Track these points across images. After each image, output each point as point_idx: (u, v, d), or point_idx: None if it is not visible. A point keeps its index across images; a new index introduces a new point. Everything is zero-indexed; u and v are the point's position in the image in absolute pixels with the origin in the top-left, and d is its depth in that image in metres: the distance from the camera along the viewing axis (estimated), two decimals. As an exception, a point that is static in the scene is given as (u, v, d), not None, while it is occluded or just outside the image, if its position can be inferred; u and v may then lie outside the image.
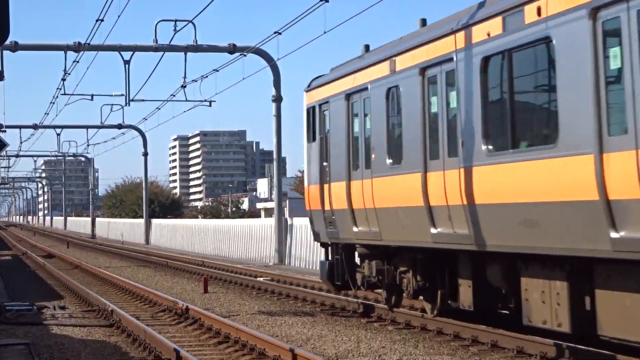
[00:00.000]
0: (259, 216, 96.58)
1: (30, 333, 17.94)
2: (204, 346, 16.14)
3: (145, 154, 74.89)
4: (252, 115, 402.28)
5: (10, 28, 8.33)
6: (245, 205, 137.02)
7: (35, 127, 68.77)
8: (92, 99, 47.69)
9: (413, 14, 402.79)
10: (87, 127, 71.62)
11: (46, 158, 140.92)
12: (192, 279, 32.28)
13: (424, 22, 17.38)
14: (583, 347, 14.27)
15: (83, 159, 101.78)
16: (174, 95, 44.15)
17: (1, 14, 8.14)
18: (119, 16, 29.89)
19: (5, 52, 38.43)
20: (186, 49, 40.66)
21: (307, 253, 37.68)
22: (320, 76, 21.20)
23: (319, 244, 21.98)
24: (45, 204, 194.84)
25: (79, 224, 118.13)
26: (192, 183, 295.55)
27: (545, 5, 12.39)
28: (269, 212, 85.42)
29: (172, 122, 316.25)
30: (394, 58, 16.80)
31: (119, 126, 67.00)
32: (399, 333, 17.25)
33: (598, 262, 12.07)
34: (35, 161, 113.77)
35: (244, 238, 47.48)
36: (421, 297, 17.74)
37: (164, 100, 47.24)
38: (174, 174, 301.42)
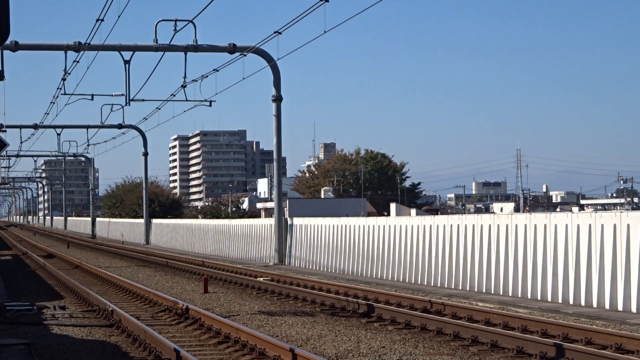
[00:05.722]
0: (259, 216, 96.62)
1: (30, 333, 17.93)
2: (204, 346, 16.14)
3: (146, 154, 74.93)
4: (252, 115, 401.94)
5: (10, 28, 8.33)
6: (245, 205, 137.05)
7: (35, 127, 68.75)
8: (92, 99, 47.56)
9: (413, 14, 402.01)
10: (87, 127, 71.57)
11: (46, 158, 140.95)
12: (192, 279, 32.28)
13: None
14: (583, 347, 14.27)
15: (83, 159, 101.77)
16: (174, 95, 44.10)
17: (1, 14, 8.14)
18: (119, 16, 29.86)
19: (6, 52, 38.46)
20: (186, 49, 40.65)
21: (307, 253, 37.67)
22: None
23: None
24: (46, 204, 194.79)
25: (79, 224, 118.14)
26: (192, 183, 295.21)
27: None
28: (269, 212, 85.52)
29: (172, 122, 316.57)
30: None
31: (119, 126, 67.00)
32: (399, 333, 17.26)
33: None
34: (35, 161, 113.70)
35: (244, 238, 47.47)
36: None
37: (164, 100, 47.19)
38: (174, 174, 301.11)
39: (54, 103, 50.14)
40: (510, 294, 24.19)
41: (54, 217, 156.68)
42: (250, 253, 46.15)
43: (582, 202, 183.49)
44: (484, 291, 25.30)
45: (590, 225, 21.63)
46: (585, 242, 21.72)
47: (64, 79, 41.74)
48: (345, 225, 34.52)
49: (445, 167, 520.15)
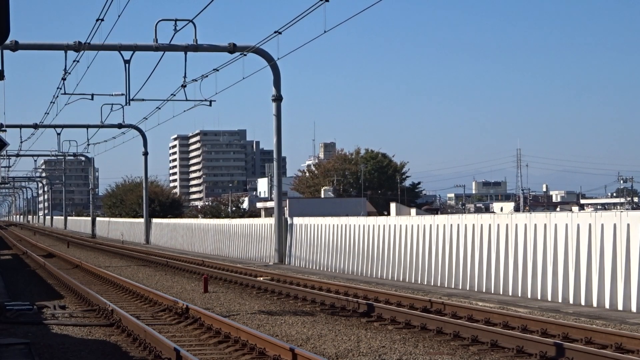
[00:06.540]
0: (259, 216, 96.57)
1: (31, 333, 17.93)
2: (204, 346, 16.13)
3: (146, 154, 74.93)
4: (252, 115, 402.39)
5: (11, 28, 8.33)
6: (245, 205, 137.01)
7: (35, 126, 68.73)
8: (92, 99, 47.60)
9: (413, 14, 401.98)
10: (87, 126, 71.57)
11: (46, 158, 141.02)
12: (192, 279, 32.28)
13: None
14: (583, 346, 14.27)
15: (83, 158, 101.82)
16: (174, 95, 44.11)
17: (1, 14, 8.15)
18: (119, 16, 29.87)
19: (6, 52, 38.49)
20: (186, 49, 40.65)
21: (307, 253, 37.66)
22: None
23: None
24: (46, 204, 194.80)
25: (79, 224, 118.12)
26: (192, 183, 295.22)
27: None
28: (269, 212, 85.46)
29: (172, 122, 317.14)
30: None
31: (119, 126, 67.02)
32: (399, 333, 17.26)
33: None
34: (35, 161, 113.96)
35: (244, 238, 47.48)
36: None
37: (164, 100, 47.21)
38: (174, 174, 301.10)
39: (54, 103, 50.20)
40: (510, 294, 24.20)
41: (54, 217, 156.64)
42: (250, 253, 46.15)
43: (582, 201, 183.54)
44: (484, 291, 25.30)
45: (590, 224, 21.63)
46: (585, 241, 21.72)
47: (64, 79, 41.76)
48: (345, 225, 34.52)
49: (445, 166, 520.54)
